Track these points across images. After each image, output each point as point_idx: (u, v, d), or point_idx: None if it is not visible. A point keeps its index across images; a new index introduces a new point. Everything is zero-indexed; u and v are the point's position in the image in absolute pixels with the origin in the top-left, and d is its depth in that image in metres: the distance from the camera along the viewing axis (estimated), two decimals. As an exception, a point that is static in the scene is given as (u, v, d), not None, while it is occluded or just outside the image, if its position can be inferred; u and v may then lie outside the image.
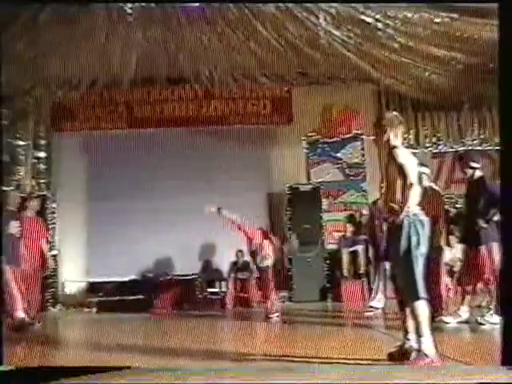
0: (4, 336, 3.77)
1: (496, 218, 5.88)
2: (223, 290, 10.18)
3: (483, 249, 6.13)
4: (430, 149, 10.95)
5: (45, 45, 7.89)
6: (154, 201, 10.30)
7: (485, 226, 6.06)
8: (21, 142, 10.61)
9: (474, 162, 6.38)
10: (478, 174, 6.34)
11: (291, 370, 3.30)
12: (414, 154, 4.49)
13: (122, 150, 10.40)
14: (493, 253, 6.04)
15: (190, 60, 8.93)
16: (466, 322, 6.25)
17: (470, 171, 6.37)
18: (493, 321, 5.89)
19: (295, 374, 3.16)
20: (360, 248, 9.70)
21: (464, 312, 6.32)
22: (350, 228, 10.27)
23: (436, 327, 5.29)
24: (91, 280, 10.52)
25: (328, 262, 10.23)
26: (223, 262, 10.41)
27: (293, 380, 3.04)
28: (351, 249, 10.01)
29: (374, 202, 8.28)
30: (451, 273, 8.41)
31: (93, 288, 10.42)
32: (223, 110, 11.21)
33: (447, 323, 6.19)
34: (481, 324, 6.01)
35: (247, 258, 9.88)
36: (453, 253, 8.57)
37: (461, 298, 6.46)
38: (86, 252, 10.60)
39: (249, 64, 9.35)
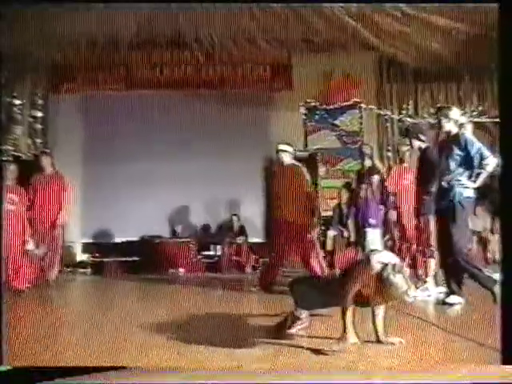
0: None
1: (434, 189, 5.75)
2: (218, 253, 10.26)
3: (421, 220, 6.15)
4: (428, 119, 10.91)
5: (44, 5, 7.79)
6: (150, 163, 10.28)
7: (425, 197, 6.03)
8: (17, 101, 10.54)
9: (422, 134, 6.39)
10: (423, 146, 6.32)
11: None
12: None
13: (120, 111, 10.35)
14: (429, 225, 6.03)
15: (190, 23, 8.84)
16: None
17: (417, 143, 6.36)
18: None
19: (296, 374, 3.21)
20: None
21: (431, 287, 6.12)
22: (344, 195, 10.23)
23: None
24: (86, 241, 10.60)
25: (323, 228, 10.24)
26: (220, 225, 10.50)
27: (294, 380, 3.11)
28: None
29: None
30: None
31: (88, 249, 10.52)
32: (223, 73, 11.08)
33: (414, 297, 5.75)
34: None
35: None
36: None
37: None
38: (81, 213, 10.61)
39: (250, 28, 9.25)
